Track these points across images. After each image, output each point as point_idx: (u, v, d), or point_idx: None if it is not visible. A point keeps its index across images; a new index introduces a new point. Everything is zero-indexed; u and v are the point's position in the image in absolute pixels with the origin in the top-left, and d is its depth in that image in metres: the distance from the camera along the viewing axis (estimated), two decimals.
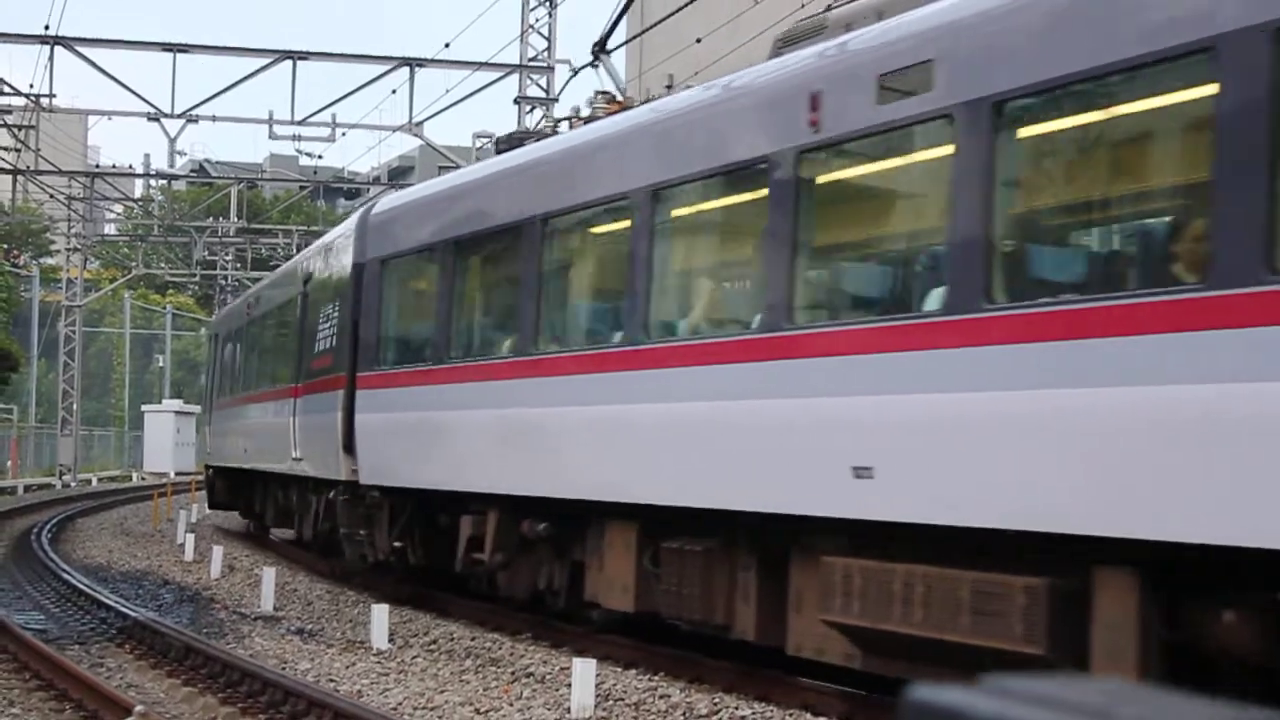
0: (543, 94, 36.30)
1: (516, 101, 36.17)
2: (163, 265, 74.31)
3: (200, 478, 58.13)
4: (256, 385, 29.79)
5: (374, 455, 19.86)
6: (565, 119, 18.41)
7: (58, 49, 34.85)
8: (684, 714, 13.01)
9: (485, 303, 18.81)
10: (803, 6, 24.78)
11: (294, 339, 25.51)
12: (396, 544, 19.94)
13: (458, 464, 17.65)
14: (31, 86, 38.19)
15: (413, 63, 35.22)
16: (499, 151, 18.93)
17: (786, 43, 13.54)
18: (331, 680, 14.68)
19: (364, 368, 20.36)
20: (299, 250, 46.27)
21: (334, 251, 22.98)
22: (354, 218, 22.54)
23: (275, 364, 28.00)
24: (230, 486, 34.23)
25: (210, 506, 37.55)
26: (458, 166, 29.69)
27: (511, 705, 13.51)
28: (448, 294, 18.33)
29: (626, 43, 37.52)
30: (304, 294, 24.78)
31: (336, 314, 21.86)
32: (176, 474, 62.89)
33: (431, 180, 21.37)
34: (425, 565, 19.91)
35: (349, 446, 20.43)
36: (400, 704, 13.50)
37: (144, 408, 72.34)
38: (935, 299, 10.96)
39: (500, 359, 17.00)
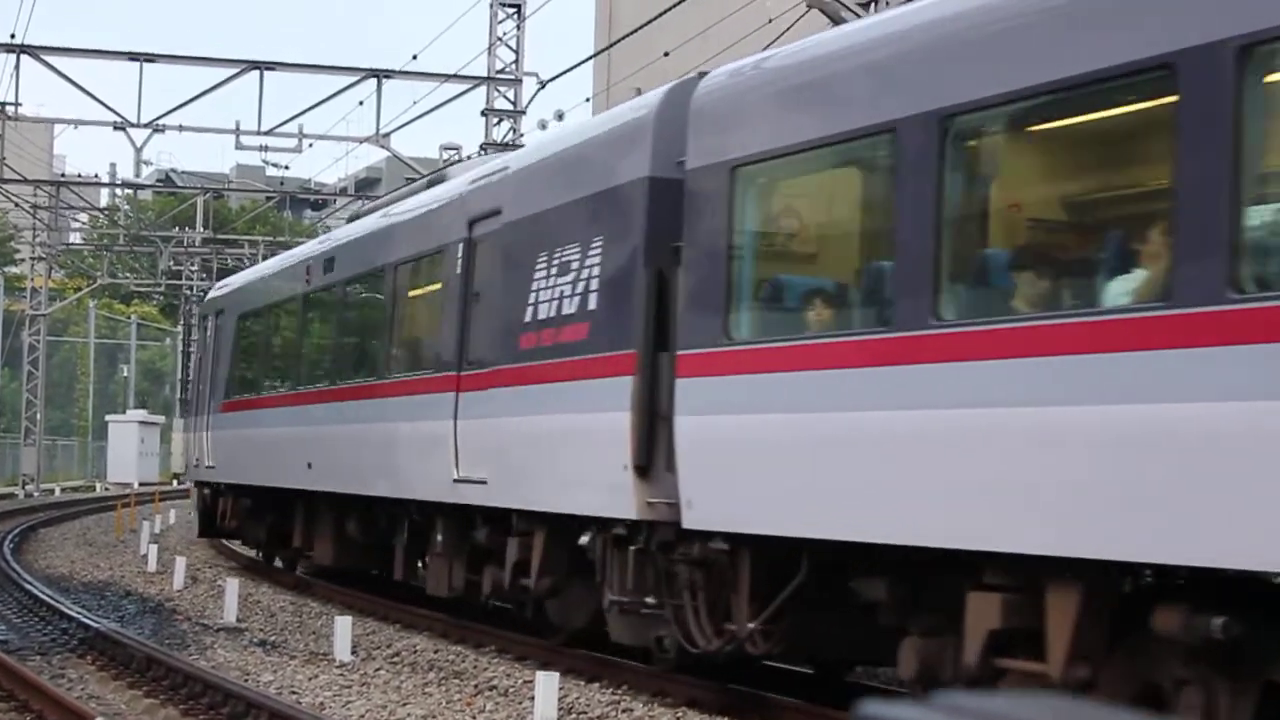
0: (510, 106, 36.33)
1: (484, 114, 36.19)
2: (128, 275, 74.05)
3: (166, 488, 58.02)
4: (338, 376, 21.74)
5: (724, 483, 12.41)
6: None
7: (24, 58, 34.73)
8: None
9: (1051, 215, 11.09)
10: (770, 21, 24.86)
11: (446, 308, 17.64)
12: (754, 625, 12.34)
13: (1029, 505, 9.75)
14: None
15: (380, 74, 35.17)
16: None
17: None
18: (294, 692, 14.65)
19: (693, 342, 12.71)
20: (265, 258, 45.11)
21: (570, 167, 15.26)
22: (638, 106, 14.38)
23: (392, 345, 19.95)
24: (245, 511, 27.59)
25: (202, 534, 31.21)
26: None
27: (474, 718, 13.50)
28: (931, 206, 10.48)
29: (594, 55, 37.60)
30: (469, 241, 17.06)
31: (595, 261, 14.21)
32: (140, 484, 62.61)
33: (842, 28, 13.11)
34: (777, 656, 13.31)
35: (645, 467, 13.25)
36: (362, 716, 13.49)
37: (108, 418, 71.91)
38: None
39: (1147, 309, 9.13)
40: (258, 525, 27.26)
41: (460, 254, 17.27)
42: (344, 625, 17.36)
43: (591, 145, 15.07)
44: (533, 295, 15.24)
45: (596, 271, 14.17)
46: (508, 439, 15.68)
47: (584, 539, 14.34)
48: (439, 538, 18.17)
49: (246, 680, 14.97)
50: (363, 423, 20.04)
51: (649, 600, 13.54)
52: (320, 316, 23.76)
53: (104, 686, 15.34)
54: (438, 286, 18.29)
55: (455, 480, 16.67)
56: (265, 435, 25.04)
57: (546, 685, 13.18)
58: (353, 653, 17.14)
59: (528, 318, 15.30)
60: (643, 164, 13.63)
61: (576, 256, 14.52)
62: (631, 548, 13.58)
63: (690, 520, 12.63)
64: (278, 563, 27.40)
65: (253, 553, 28.98)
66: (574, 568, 15.09)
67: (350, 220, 25.64)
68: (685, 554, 12.96)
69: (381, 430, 19.25)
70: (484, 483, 16.03)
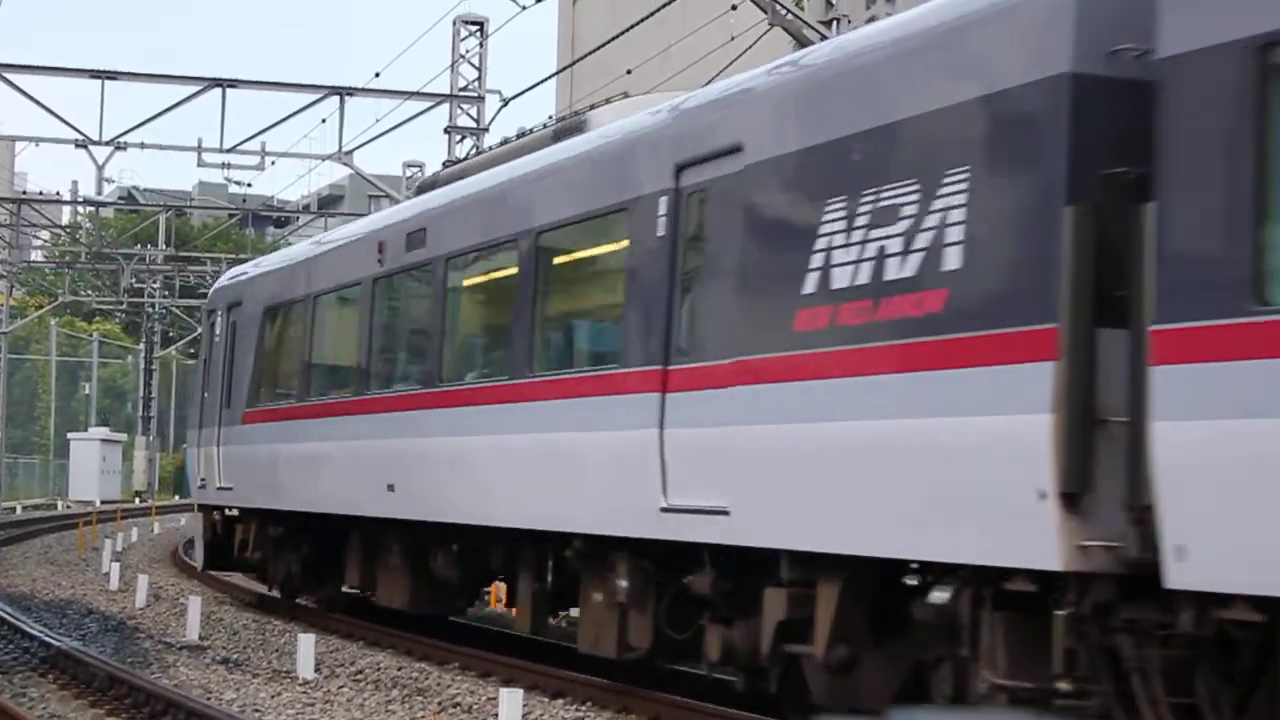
0: (473, 124, 36.37)
1: (447, 131, 36.22)
2: (89, 293, 73.83)
3: (128, 506, 57.78)
4: (441, 377, 16.88)
5: (1263, 522, 7.97)
6: None
7: None
8: None
9: None
10: (732, 39, 24.95)
11: (635, 282, 13.44)
12: None
13: None
14: None
15: (343, 91, 35.15)
16: None
17: None
18: (257, 710, 14.61)
19: (1185, 311, 8.35)
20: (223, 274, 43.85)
21: (891, 72, 10.83)
22: None
23: (537, 335, 15.24)
24: (273, 541, 23.01)
25: (209, 567, 26.30)
26: (386, 197, 27.99)
27: None
28: None
29: (557, 73, 37.64)
30: (677, 192, 12.84)
31: (955, 202, 9.97)
32: (102, 502, 62.37)
33: None
34: None
35: (1077, 495, 8.96)
36: None
37: (70, 436, 71.75)
38: None
39: None
40: (290, 558, 22.69)
41: (663, 210, 13.03)
42: (307, 643, 17.32)
43: (935, 38, 10.58)
44: (818, 257, 11.02)
45: (959, 215, 9.93)
46: (771, 454, 11.47)
47: (938, 596, 10.04)
48: (623, 584, 13.66)
49: (209, 699, 14.91)
50: (487, 434, 15.68)
51: (1063, 687, 9.18)
52: (405, 303, 18.71)
53: (65, 705, 15.27)
54: (616, 255, 13.98)
55: (664, 509, 12.56)
56: (315, 451, 20.19)
57: (510, 702, 13.19)
58: (316, 670, 17.10)
59: (809, 288, 11.08)
60: (1058, 56, 9.39)
61: (914, 198, 10.31)
62: (1060, 612, 9.15)
63: (1185, 577, 8.32)
64: (305, 602, 23.24)
65: (265, 588, 24.47)
66: (875, 630, 11.22)
67: (418, 192, 20.52)
68: (1155, 623, 8.83)
69: (521, 443, 14.98)
70: (724, 513, 11.82)
